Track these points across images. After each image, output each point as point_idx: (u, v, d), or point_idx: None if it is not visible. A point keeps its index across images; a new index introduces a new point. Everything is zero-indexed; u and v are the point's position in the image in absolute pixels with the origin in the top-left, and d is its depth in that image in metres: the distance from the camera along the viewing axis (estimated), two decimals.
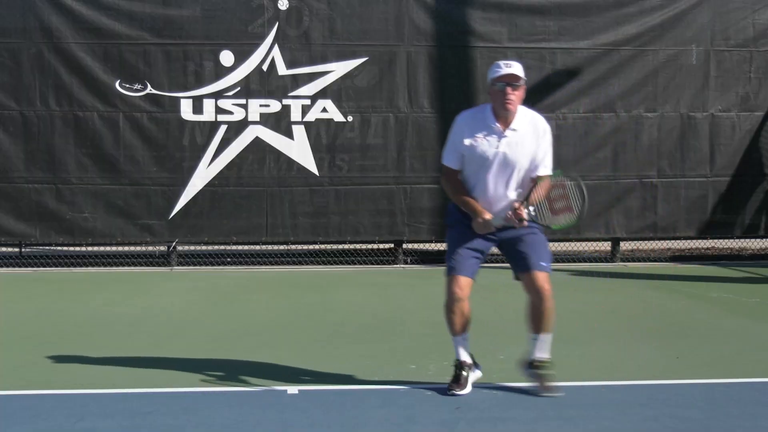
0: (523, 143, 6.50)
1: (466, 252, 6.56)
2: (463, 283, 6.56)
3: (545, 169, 6.63)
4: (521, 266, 6.60)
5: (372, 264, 12.40)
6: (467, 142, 6.49)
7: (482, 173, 6.50)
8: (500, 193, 6.53)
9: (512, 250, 6.63)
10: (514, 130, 6.49)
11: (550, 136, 6.66)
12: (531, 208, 6.48)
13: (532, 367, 6.68)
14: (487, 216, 6.40)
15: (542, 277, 6.54)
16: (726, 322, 9.26)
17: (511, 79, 6.39)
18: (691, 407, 6.34)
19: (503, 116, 6.47)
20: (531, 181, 6.60)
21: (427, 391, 6.63)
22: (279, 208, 12.35)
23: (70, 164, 12.06)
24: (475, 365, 6.78)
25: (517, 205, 6.45)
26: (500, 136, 6.47)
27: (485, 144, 6.46)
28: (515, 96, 6.41)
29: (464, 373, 6.65)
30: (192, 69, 12.13)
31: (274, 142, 12.25)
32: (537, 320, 6.63)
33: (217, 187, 12.26)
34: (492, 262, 12.79)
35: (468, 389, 6.62)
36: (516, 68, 6.43)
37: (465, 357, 6.71)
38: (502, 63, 6.48)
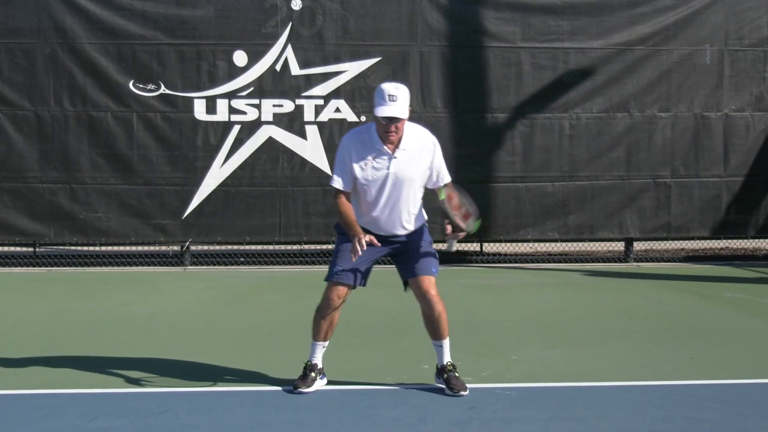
0: (414, 161, 6.50)
1: (350, 264, 6.55)
2: (342, 292, 6.60)
3: (446, 177, 6.66)
4: (410, 273, 6.64)
5: (384, 264, 12.37)
6: (356, 166, 6.46)
7: (375, 194, 6.50)
8: (394, 211, 6.55)
9: (403, 259, 6.66)
10: (403, 150, 6.46)
11: (439, 146, 6.64)
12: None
13: (444, 372, 6.70)
14: (363, 241, 6.29)
15: (428, 281, 6.59)
16: (740, 322, 9.23)
17: (394, 120, 6.31)
18: (704, 408, 6.32)
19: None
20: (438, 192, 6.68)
21: (440, 392, 6.63)
22: (292, 207, 12.37)
23: (83, 164, 12.10)
24: (323, 373, 6.80)
25: (449, 229, 6.58)
26: (390, 157, 6.44)
27: (375, 167, 6.45)
28: (398, 130, 6.36)
29: (313, 374, 6.70)
30: (205, 69, 12.16)
31: (288, 142, 12.27)
32: (432, 327, 6.70)
33: (230, 187, 12.29)
34: (506, 262, 12.89)
35: (313, 389, 6.65)
36: (398, 106, 6.28)
37: (318, 361, 6.75)
38: (386, 95, 6.27)
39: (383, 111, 6.27)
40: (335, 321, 6.70)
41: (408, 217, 6.61)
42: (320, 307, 6.67)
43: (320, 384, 6.74)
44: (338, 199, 6.55)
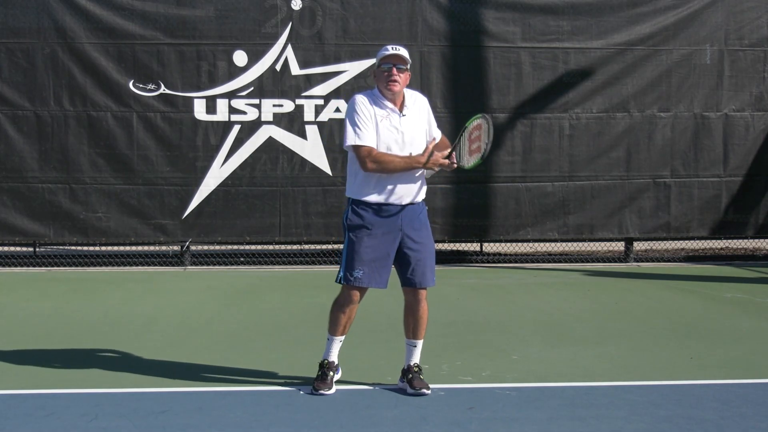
0: (417, 119, 6.61)
1: (370, 264, 6.53)
2: (363, 292, 6.63)
3: (437, 131, 6.85)
4: (409, 282, 6.64)
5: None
6: (377, 117, 6.49)
7: (389, 152, 6.48)
8: (408, 175, 6.53)
9: (407, 259, 6.60)
10: (408, 108, 6.58)
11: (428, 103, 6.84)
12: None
13: (409, 372, 6.68)
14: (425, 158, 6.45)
15: (424, 295, 6.66)
16: (740, 322, 9.23)
17: (397, 61, 6.46)
18: (704, 408, 6.32)
19: (391, 98, 6.53)
20: (437, 146, 6.77)
21: (440, 391, 6.62)
22: (292, 207, 12.37)
23: (83, 164, 12.10)
24: (338, 369, 6.78)
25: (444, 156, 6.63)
26: (400, 115, 6.53)
27: (388, 124, 6.49)
28: (400, 78, 6.47)
29: (331, 373, 6.67)
30: (205, 69, 12.16)
31: (288, 142, 12.28)
32: (414, 323, 6.71)
33: (230, 186, 12.29)
34: (507, 262, 12.89)
35: (333, 390, 6.62)
36: (403, 51, 6.51)
37: (335, 358, 6.72)
38: (389, 46, 6.56)
39: (386, 53, 6.49)
40: (353, 315, 6.67)
41: (418, 183, 6.60)
42: (338, 302, 6.64)
43: (336, 377, 6.72)
44: (372, 154, 6.39)
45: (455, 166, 6.63)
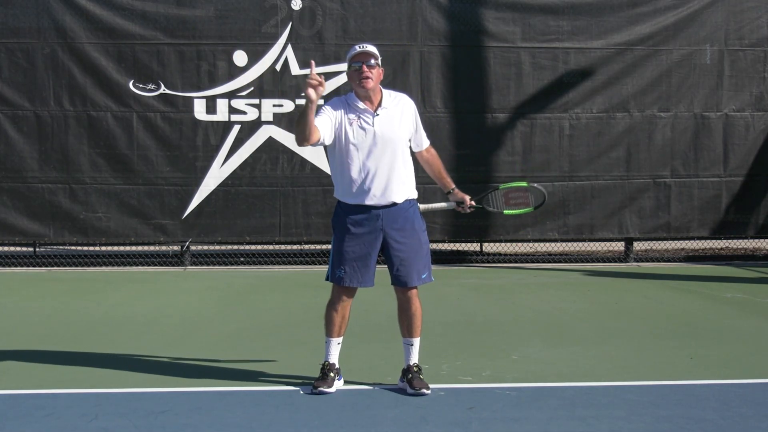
0: (396, 119, 6.59)
1: (355, 262, 6.59)
2: (351, 291, 6.67)
3: (425, 140, 6.89)
4: (396, 280, 6.68)
5: (385, 264, 12.35)
6: (345, 120, 6.51)
7: (364, 157, 6.49)
8: (384, 174, 6.53)
9: (391, 258, 6.64)
10: (385, 108, 6.57)
11: (415, 107, 6.84)
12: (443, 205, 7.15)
13: (408, 372, 6.68)
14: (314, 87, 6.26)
15: (414, 293, 6.69)
16: (740, 322, 9.23)
17: (366, 58, 6.47)
18: (704, 408, 6.32)
19: (367, 97, 6.53)
20: (424, 158, 6.97)
21: (440, 391, 6.62)
22: (292, 207, 12.37)
23: (83, 164, 12.11)
24: (339, 374, 6.76)
25: (465, 200, 6.97)
26: (373, 115, 6.52)
27: (361, 125, 6.50)
28: (372, 74, 6.48)
29: (332, 374, 6.66)
30: (205, 69, 12.16)
31: (288, 142, 12.27)
32: (407, 322, 6.72)
33: (230, 186, 12.29)
34: (506, 262, 12.89)
35: (334, 389, 6.61)
36: (371, 48, 6.53)
37: (335, 360, 6.72)
38: (357, 45, 6.59)
39: (355, 51, 6.52)
40: (347, 315, 6.69)
41: (399, 183, 6.58)
42: (331, 301, 6.69)
43: (338, 385, 6.71)
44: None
45: (469, 210, 7.00)
